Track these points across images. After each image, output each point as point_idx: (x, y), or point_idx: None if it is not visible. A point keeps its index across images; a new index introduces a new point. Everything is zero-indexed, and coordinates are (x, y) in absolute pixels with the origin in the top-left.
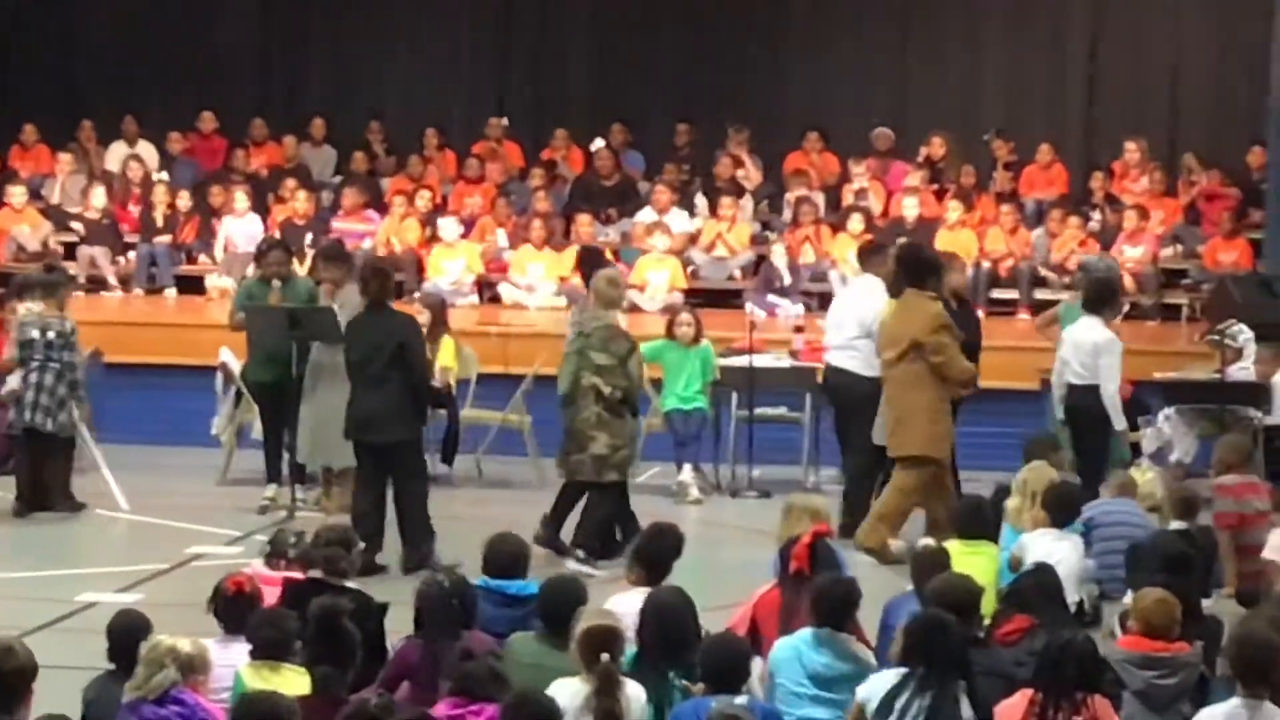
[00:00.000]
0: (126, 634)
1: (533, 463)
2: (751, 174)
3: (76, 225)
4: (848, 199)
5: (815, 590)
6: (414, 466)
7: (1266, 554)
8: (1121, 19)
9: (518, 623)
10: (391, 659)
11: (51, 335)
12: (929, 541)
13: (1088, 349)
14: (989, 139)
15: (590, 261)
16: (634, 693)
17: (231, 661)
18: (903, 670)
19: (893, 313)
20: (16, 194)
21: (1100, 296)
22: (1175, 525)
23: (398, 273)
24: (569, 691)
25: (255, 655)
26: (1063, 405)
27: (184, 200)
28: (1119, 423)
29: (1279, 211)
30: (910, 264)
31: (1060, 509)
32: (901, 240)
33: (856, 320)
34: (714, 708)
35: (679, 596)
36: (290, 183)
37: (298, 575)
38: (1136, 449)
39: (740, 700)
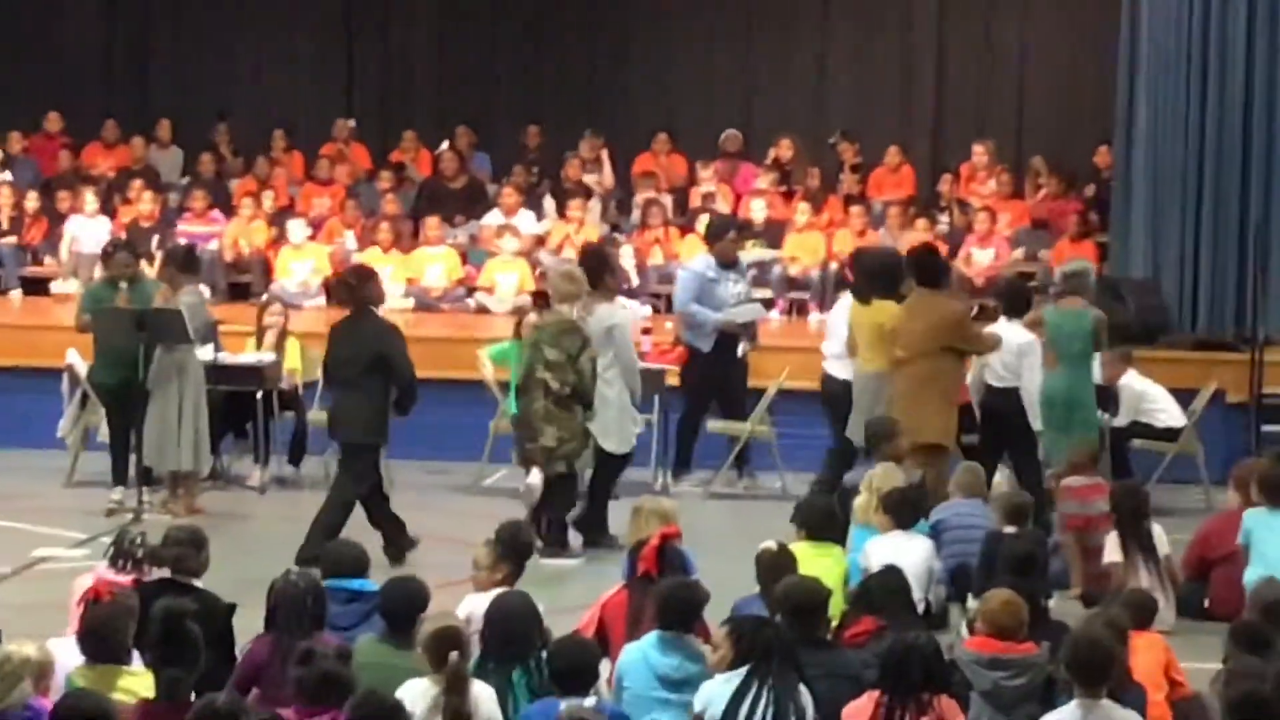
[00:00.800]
0: None
1: (381, 464)
2: (604, 177)
3: None
4: (696, 201)
5: (660, 593)
6: (358, 471)
7: (1106, 556)
8: (968, 21)
9: (361, 618)
10: (241, 659)
11: None
12: (771, 544)
13: (1012, 350)
14: (834, 141)
15: (593, 259)
16: (483, 692)
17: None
18: (738, 673)
19: (907, 312)
20: None
21: (1022, 299)
22: (1008, 530)
23: (244, 274)
24: (417, 692)
25: (87, 657)
26: (979, 408)
27: (31, 201)
28: (1037, 423)
29: (1125, 215)
30: (924, 265)
31: (903, 511)
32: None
33: None
34: (563, 709)
35: (522, 599)
36: (137, 184)
37: (142, 577)
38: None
39: (588, 702)
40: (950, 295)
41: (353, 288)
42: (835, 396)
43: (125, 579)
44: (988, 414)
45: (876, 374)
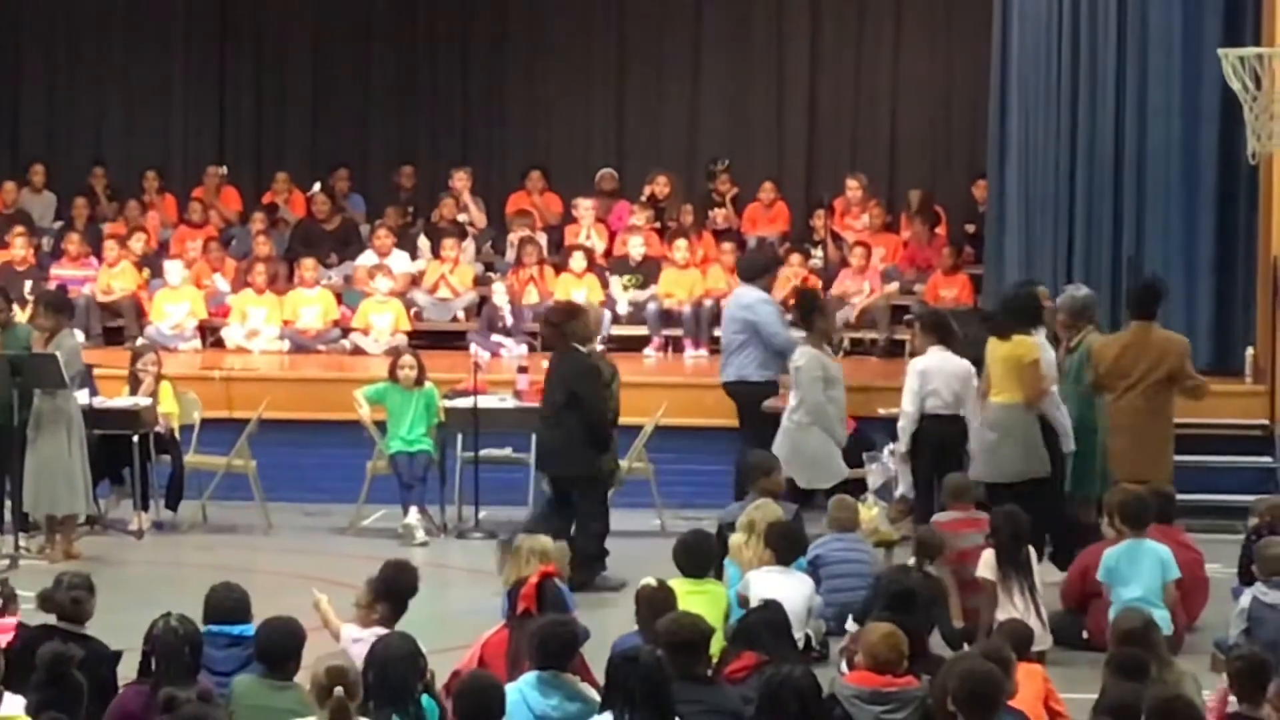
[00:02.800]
0: None
1: (259, 507)
2: (475, 215)
3: None
4: (570, 238)
5: (535, 633)
6: (590, 497)
7: (980, 572)
8: (840, 57)
9: (241, 663)
10: (111, 707)
11: None
12: (650, 581)
13: (961, 377)
14: (715, 169)
15: (805, 302)
16: None
17: None
18: (609, 715)
19: (1122, 345)
20: None
21: (947, 328)
22: (910, 563)
23: (118, 319)
24: None
25: None
26: (910, 436)
27: None
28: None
29: (998, 248)
30: (1144, 298)
31: (785, 546)
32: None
33: None
34: None
35: (403, 642)
36: (10, 229)
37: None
38: (862, 485)
39: None
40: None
41: (555, 326)
42: (941, 434)
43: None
44: (930, 440)
45: (1012, 407)
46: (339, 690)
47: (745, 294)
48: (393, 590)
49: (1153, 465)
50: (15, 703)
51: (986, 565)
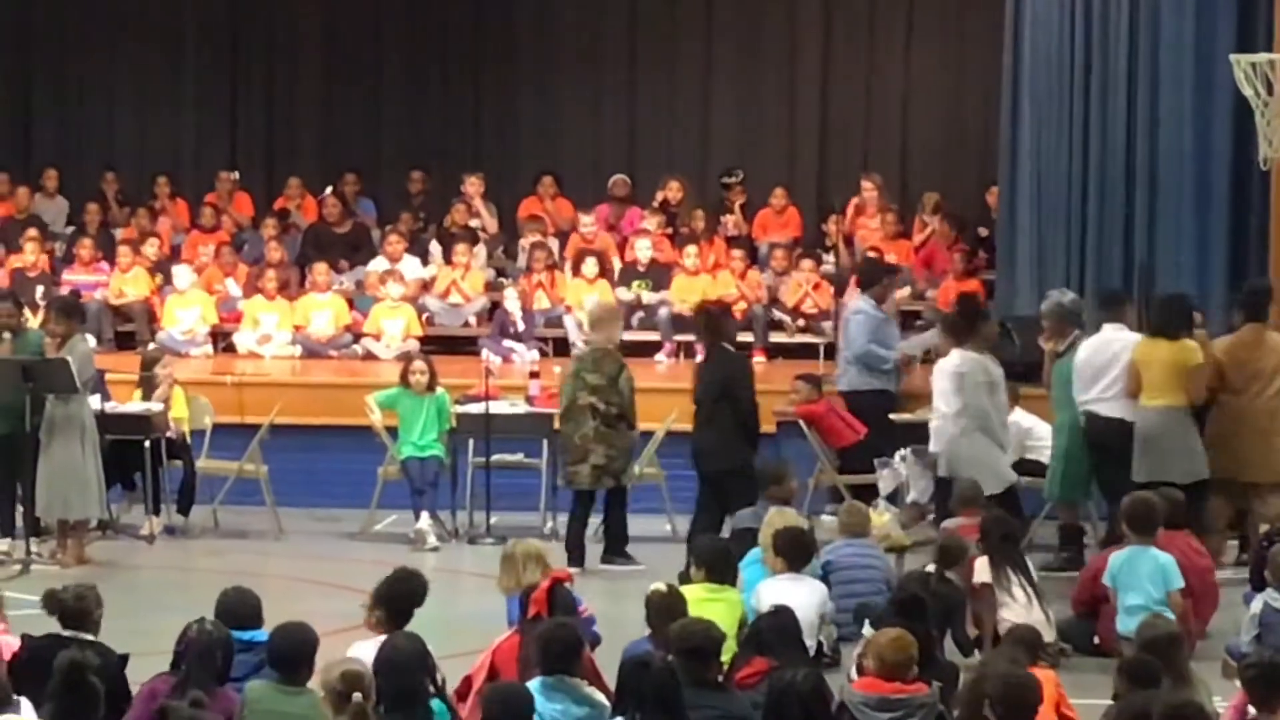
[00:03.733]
0: None
1: (269, 512)
2: (487, 221)
3: None
4: (581, 244)
5: (539, 637)
6: (743, 492)
7: (976, 578)
8: (851, 64)
9: (255, 669)
10: (140, 691)
11: None
12: (660, 586)
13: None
14: (730, 181)
15: (968, 307)
16: None
17: None
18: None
19: (1247, 347)
20: None
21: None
22: (930, 570)
23: (130, 323)
24: None
25: None
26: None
27: None
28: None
29: (1010, 254)
30: (1259, 301)
31: (795, 553)
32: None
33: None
34: None
35: (411, 644)
36: (22, 234)
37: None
38: (873, 490)
39: None
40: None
41: (708, 324)
42: (1107, 434)
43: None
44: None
45: (1175, 409)
46: (357, 696)
47: (852, 303)
48: (394, 599)
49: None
50: (28, 710)
51: (981, 570)
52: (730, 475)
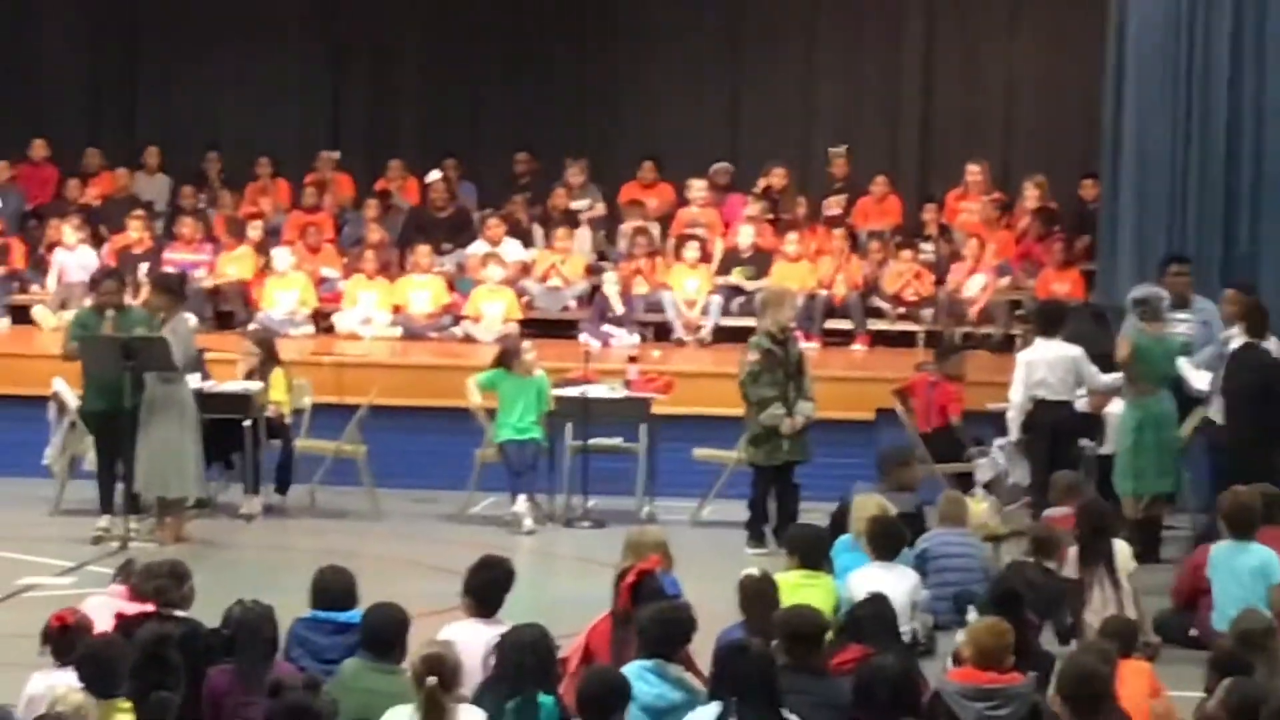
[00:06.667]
0: None
1: (367, 492)
2: (592, 204)
3: None
4: (682, 229)
5: (643, 621)
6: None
7: (1066, 571)
8: (954, 51)
9: (348, 651)
10: (205, 690)
11: None
12: (753, 571)
13: (1066, 366)
14: (837, 155)
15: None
16: (469, 719)
17: (53, 684)
18: (717, 705)
19: None
20: None
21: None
22: (1024, 559)
23: (230, 303)
24: (402, 717)
25: (85, 685)
26: (1020, 423)
27: (15, 229)
28: (1109, 445)
29: (1112, 242)
30: None
31: (882, 543)
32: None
33: None
34: None
35: (533, 633)
36: (127, 212)
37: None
38: (970, 479)
39: None
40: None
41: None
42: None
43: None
44: (1041, 427)
45: None
46: (432, 680)
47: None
48: (480, 585)
49: None
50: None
51: (1071, 563)
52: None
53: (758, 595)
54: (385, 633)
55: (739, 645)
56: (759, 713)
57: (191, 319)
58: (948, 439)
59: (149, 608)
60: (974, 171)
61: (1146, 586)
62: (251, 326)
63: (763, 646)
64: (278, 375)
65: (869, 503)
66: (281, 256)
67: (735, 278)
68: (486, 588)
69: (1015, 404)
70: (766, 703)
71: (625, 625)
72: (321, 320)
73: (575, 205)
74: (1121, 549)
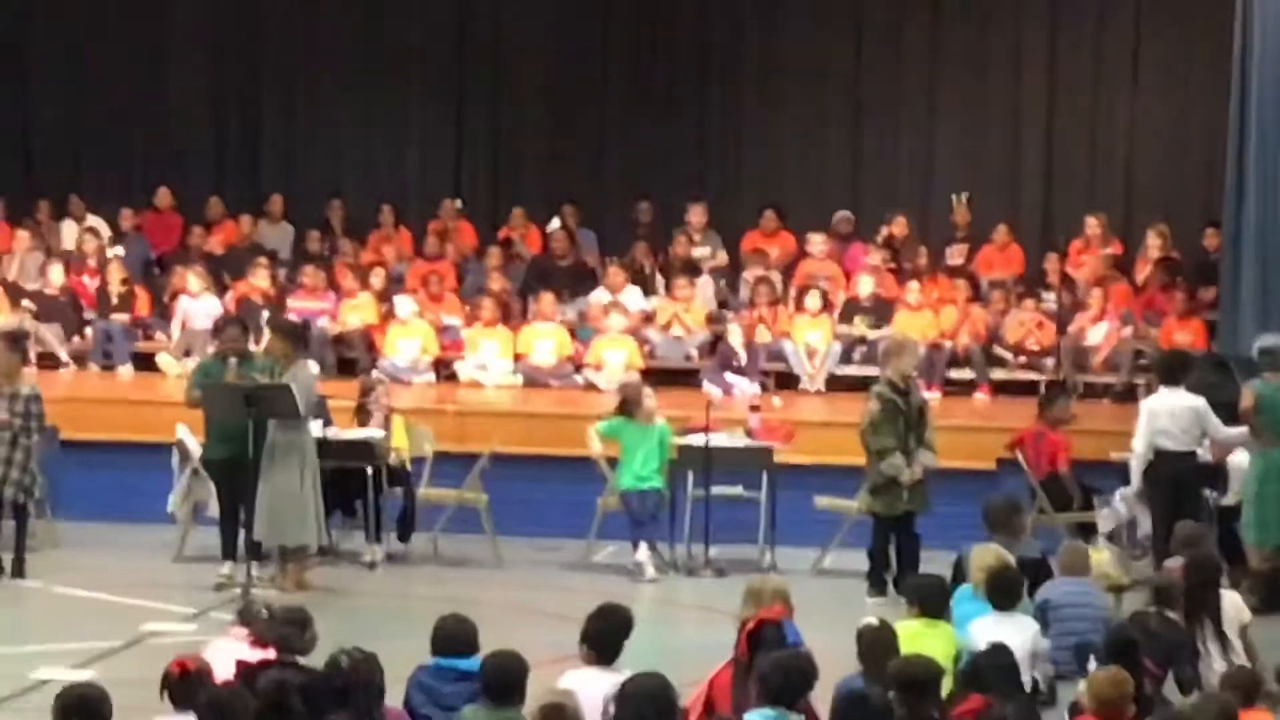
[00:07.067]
0: (81, 711)
1: (489, 540)
2: (713, 253)
3: (30, 303)
4: (804, 278)
5: (764, 669)
6: None
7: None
8: (1076, 101)
9: (470, 698)
10: None
11: (19, 406)
12: (872, 620)
13: (1189, 416)
14: (959, 203)
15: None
16: None
17: None
18: None
19: None
20: None
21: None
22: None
23: (349, 350)
24: None
25: None
26: (1142, 473)
27: (140, 277)
28: (1232, 496)
29: (1234, 292)
30: None
31: (1001, 593)
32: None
33: None
34: None
35: (654, 683)
36: (248, 260)
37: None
38: (1091, 529)
39: None
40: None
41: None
42: None
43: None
44: (1164, 477)
45: None
46: None
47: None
48: (599, 633)
49: None
50: None
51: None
52: None
53: (877, 644)
54: (505, 680)
55: (859, 695)
56: None
57: (314, 366)
58: (1059, 488)
59: (271, 654)
60: (1092, 224)
61: (1272, 638)
62: (373, 375)
63: (882, 696)
64: (398, 422)
65: (987, 553)
66: (404, 304)
67: (856, 327)
68: (606, 636)
69: (1138, 454)
70: None
71: (746, 674)
72: (443, 368)
73: (697, 253)
74: (1232, 601)
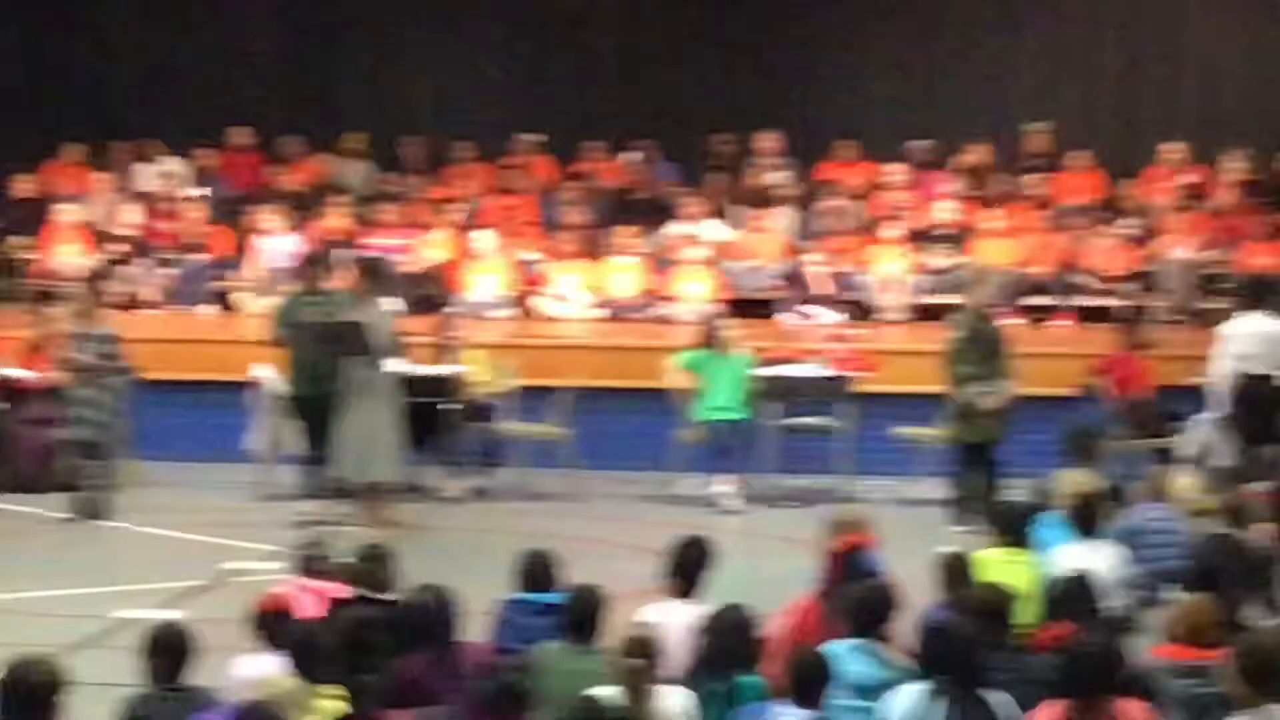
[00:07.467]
0: (168, 649)
1: (570, 474)
2: (787, 183)
3: (113, 245)
4: (882, 207)
5: (851, 599)
6: None
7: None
8: (1157, 23)
9: (551, 632)
10: (400, 675)
11: (99, 347)
12: (952, 549)
13: (1269, 340)
14: (1037, 131)
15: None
16: (674, 701)
17: (263, 669)
18: (922, 683)
19: None
20: (67, 212)
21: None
22: (1221, 531)
23: (430, 287)
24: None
25: (293, 670)
26: (1222, 397)
27: (218, 216)
28: None
29: None
30: None
31: (1085, 518)
32: None
33: None
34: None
35: (737, 614)
36: (328, 199)
37: (337, 589)
38: (1172, 454)
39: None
40: None
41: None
42: None
43: (322, 586)
44: (1255, 400)
45: None
46: (632, 661)
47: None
48: (680, 565)
49: None
50: (275, 661)
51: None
52: None
53: (956, 572)
54: (585, 614)
55: (942, 625)
56: (966, 691)
57: (393, 303)
58: (1141, 413)
59: (350, 592)
60: (1170, 151)
61: None
62: (448, 310)
63: (968, 625)
64: (479, 357)
65: (1072, 479)
66: (482, 240)
67: (935, 256)
68: (688, 568)
69: (1218, 378)
70: (971, 681)
71: (829, 603)
72: (523, 303)
73: (774, 184)
74: None
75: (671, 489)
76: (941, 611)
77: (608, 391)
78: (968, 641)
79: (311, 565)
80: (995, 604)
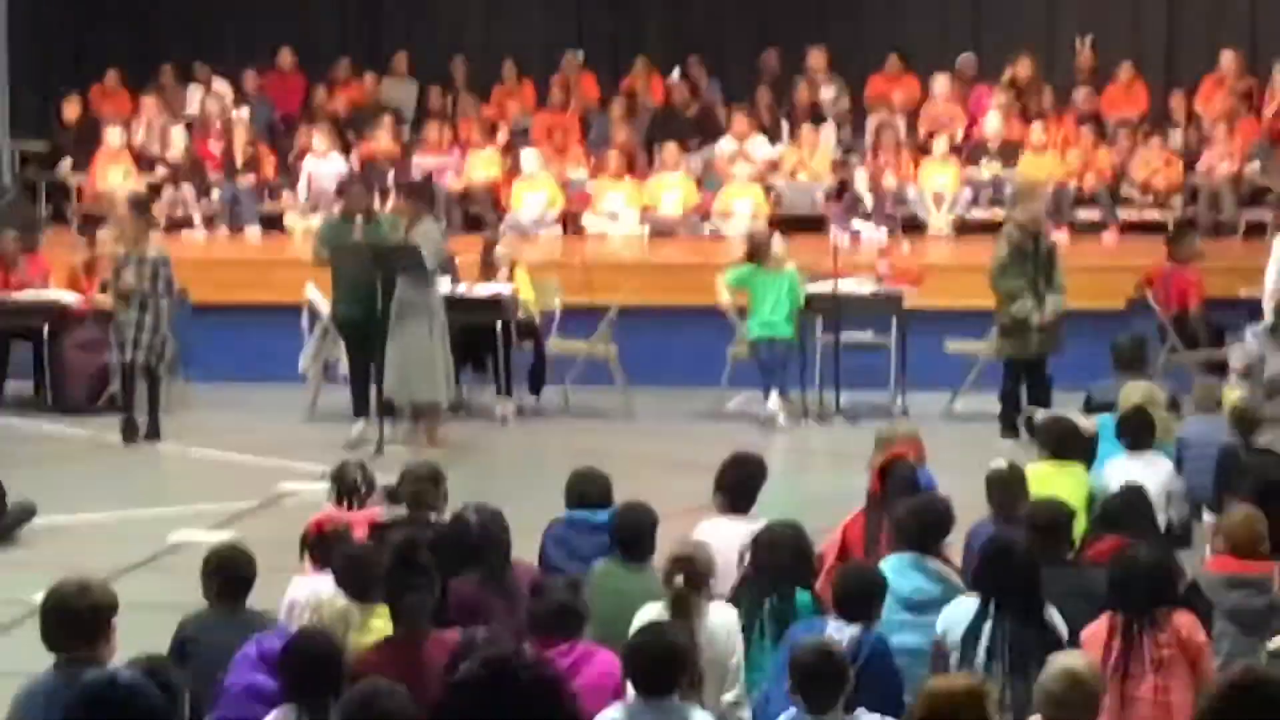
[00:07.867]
0: (231, 570)
1: (620, 392)
2: (836, 99)
3: (160, 168)
4: (928, 121)
5: (901, 514)
6: None
7: None
8: None
9: (604, 550)
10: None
11: (148, 270)
12: (1002, 463)
13: None
14: (1083, 44)
15: None
16: (720, 618)
17: (316, 590)
18: (977, 599)
19: None
20: (114, 135)
21: None
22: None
23: (475, 206)
24: (652, 616)
25: (343, 590)
26: (1274, 308)
27: (266, 138)
28: None
29: None
30: None
31: (1138, 432)
32: None
33: None
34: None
35: (789, 531)
36: (372, 119)
37: (370, 514)
38: (1222, 367)
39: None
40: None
41: None
42: None
43: (356, 514)
44: None
45: None
46: (679, 579)
47: None
48: (732, 483)
49: None
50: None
51: None
52: None
53: (1006, 487)
54: (635, 532)
55: (999, 541)
56: (1019, 607)
57: (440, 223)
58: (1189, 326)
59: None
60: (1228, 57)
61: None
62: (497, 229)
63: (1024, 542)
64: (525, 276)
65: (1136, 390)
66: (529, 158)
67: (983, 170)
68: (739, 485)
69: (1270, 289)
70: (1027, 597)
71: (879, 514)
72: (570, 221)
73: (821, 99)
74: None
75: (721, 406)
76: (992, 527)
77: (655, 309)
78: (1028, 560)
79: (350, 490)
80: (1055, 519)
